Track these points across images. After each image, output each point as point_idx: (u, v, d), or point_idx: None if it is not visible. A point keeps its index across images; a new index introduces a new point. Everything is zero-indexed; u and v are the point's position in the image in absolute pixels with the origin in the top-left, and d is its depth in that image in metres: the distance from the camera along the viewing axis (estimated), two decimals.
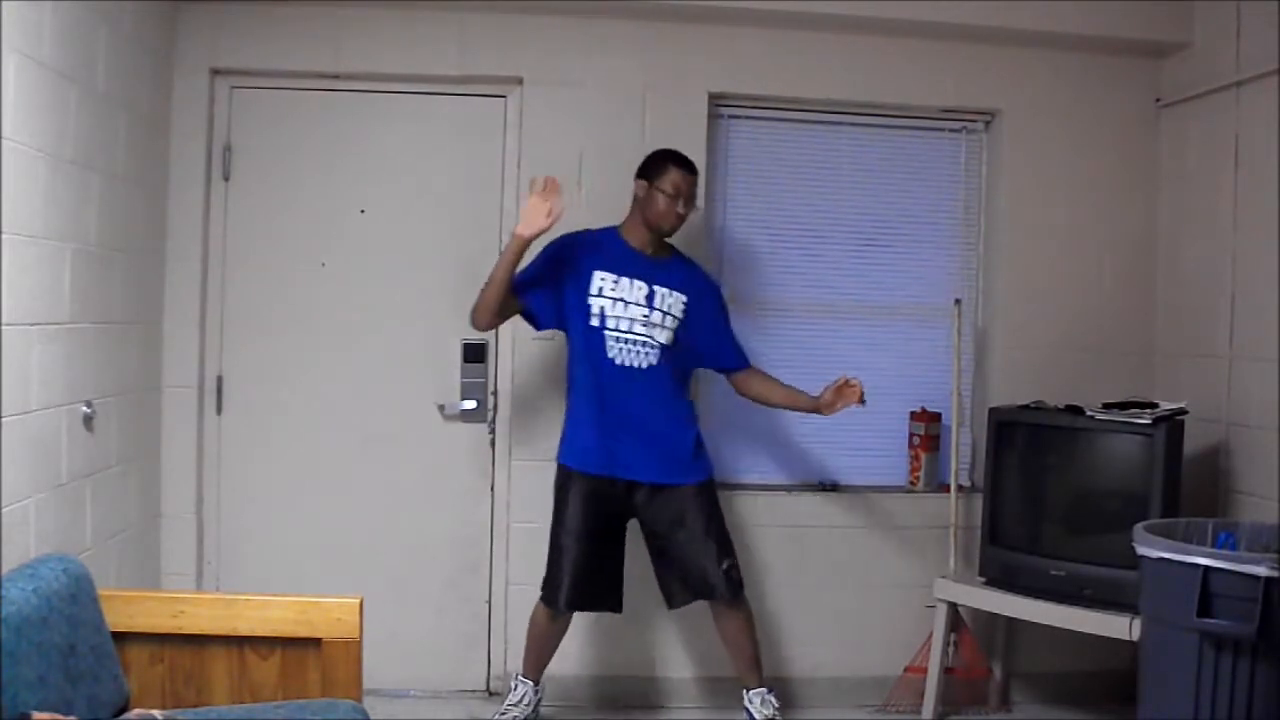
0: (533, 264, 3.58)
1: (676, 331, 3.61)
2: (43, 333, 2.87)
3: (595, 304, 3.57)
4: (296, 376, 4.04)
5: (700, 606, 3.69)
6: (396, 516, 4.07)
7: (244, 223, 4.01)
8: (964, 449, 4.22)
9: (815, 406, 3.65)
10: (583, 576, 3.57)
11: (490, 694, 4.09)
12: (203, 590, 3.92)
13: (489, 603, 4.11)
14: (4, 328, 2.62)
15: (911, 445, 4.27)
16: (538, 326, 3.69)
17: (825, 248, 4.30)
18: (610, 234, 3.67)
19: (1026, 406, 3.95)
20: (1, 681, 2.12)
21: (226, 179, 4.00)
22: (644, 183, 3.60)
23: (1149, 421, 3.59)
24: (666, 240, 3.67)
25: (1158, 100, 4.30)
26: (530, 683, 3.74)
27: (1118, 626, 3.45)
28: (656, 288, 3.59)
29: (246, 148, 4.01)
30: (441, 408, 4.08)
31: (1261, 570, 2.83)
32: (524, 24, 4.02)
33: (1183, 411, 3.67)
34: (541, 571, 3.64)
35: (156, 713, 2.48)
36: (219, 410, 4.02)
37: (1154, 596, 3.09)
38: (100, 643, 2.52)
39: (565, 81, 4.05)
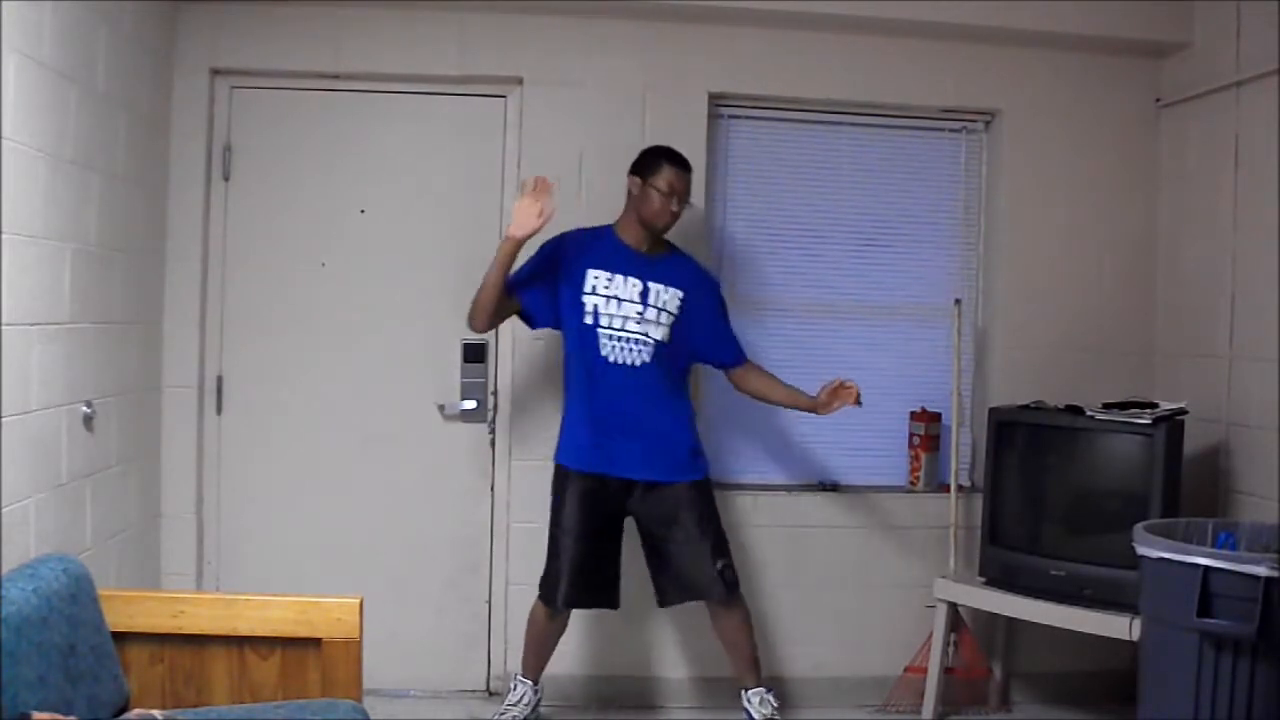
0: (528, 263, 3.59)
1: (673, 327, 3.60)
2: (43, 333, 2.87)
3: (589, 302, 3.57)
4: (296, 376, 4.04)
5: (698, 606, 3.69)
6: (396, 516, 4.07)
7: (244, 223, 4.01)
8: (964, 449, 4.22)
9: (812, 406, 3.66)
10: (580, 575, 3.57)
11: (490, 694, 4.09)
12: (203, 590, 3.92)
13: (489, 603, 4.11)
14: (4, 328, 2.62)
15: (911, 445, 4.27)
16: (533, 325, 3.69)
17: (825, 248, 4.30)
18: (605, 232, 3.67)
19: (1026, 406, 3.95)
20: (1, 681, 2.12)
21: (226, 179, 4.00)
22: (637, 180, 3.60)
23: (1149, 421, 3.59)
24: (664, 236, 3.67)
25: (1158, 100, 4.30)
26: (530, 683, 3.74)
27: (1118, 626, 3.45)
28: (651, 284, 3.59)
29: (246, 148, 4.01)
30: (441, 408, 4.08)
31: (1261, 570, 2.83)
32: (524, 24, 4.02)
33: (1183, 411, 3.67)
34: (541, 571, 3.64)
35: (156, 713, 2.48)
36: (219, 410, 4.02)
37: (1154, 596, 3.09)
38: (100, 643, 2.52)
39: (565, 81, 4.05)
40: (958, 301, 4.18)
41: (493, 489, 4.10)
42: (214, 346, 4.00)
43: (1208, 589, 2.88)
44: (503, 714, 3.71)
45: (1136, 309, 4.32)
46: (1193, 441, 3.75)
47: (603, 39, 4.06)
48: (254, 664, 2.81)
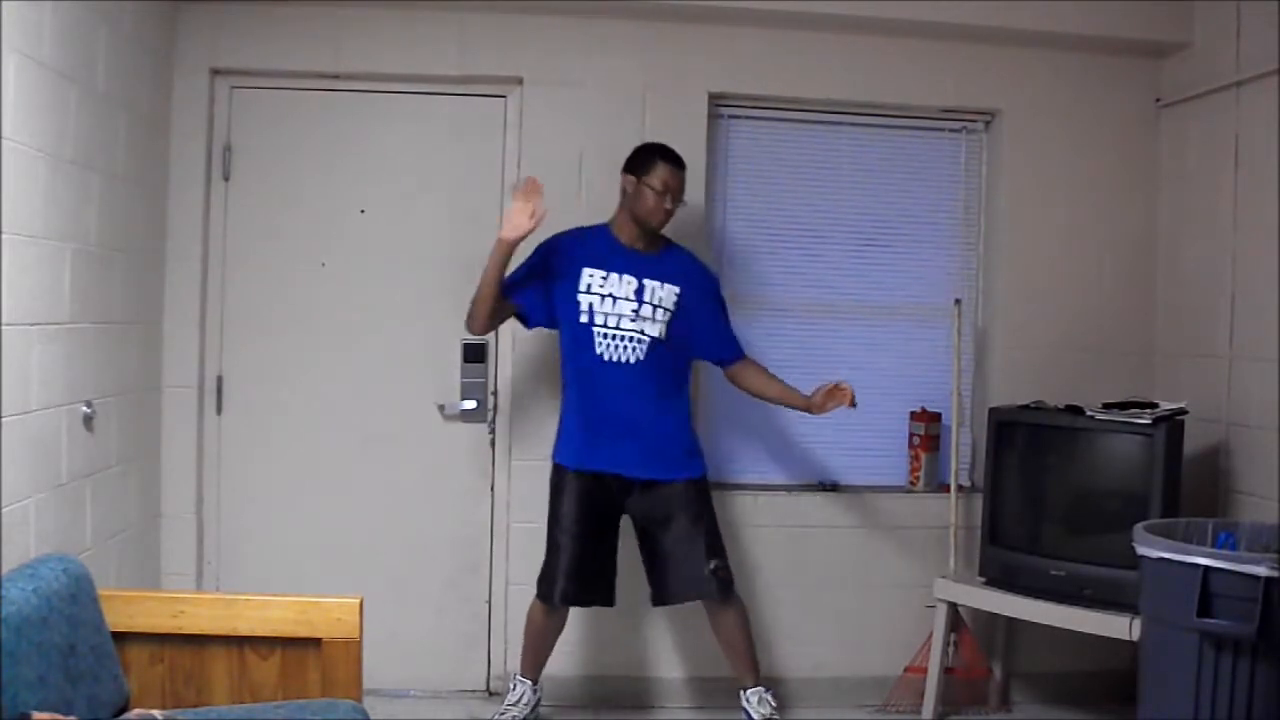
0: (524, 264, 3.60)
1: (669, 324, 3.60)
2: (43, 333, 2.87)
3: (584, 300, 3.57)
4: (296, 376, 4.04)
5: (696, 606, 3.69)
6: (396, 516, 4.07)
7: (244, 223, 4.01)
8: (964, 449, 4.22)
9: (806, 406, 3.66)
10: (577, 572, 3.57)
11: (490, 694, 4.09)
12: (203, 590, 3.92)
13: (489, 603, 4.11)
14: (4, 328, 2.62)
15: (911, 445, 4.27)
16: (528, 325, 3.69)
17: (825, 248, 4.30)
18: (600, 230, 3.67)
19: (1026, 406, 3.95)
20: (1, 681, 2.12)
21: (226, 179, 4.00)
22: (632, 178, 3.60)
23: (1149, 421, 3.59)
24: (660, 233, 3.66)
25: (1158, 100, 4.30)
26: (529, 682, 3.74)
27: (1118, 626, 3.45)
28: (646, 281, 3.59)
29: (246, 148, 4.01)
30: (441, 408, 4.08)
31: (1261, 570, 2.83)
32: (524, 24, 4.02)
33: (1183, 411, 3.67)
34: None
35: (156, 713, 2.48)
36: (219, 410, 4.02)
37: (1154, 596, 3.08)
38: (100, 643, 2.52)
39: (565, 81, 4.05)
40: (958, 301, 4.18)
41: (493, 489, 4.10)
42: (214, 346, 4.00)
43: (1208, 589, 2.88)
44: (502, 714, 3.71)
45: (1136, 309, 4.32)
46: (1193, 441, 3.75)
47: (603, 39, 4.06)
48: (254, 664, 2.81)
